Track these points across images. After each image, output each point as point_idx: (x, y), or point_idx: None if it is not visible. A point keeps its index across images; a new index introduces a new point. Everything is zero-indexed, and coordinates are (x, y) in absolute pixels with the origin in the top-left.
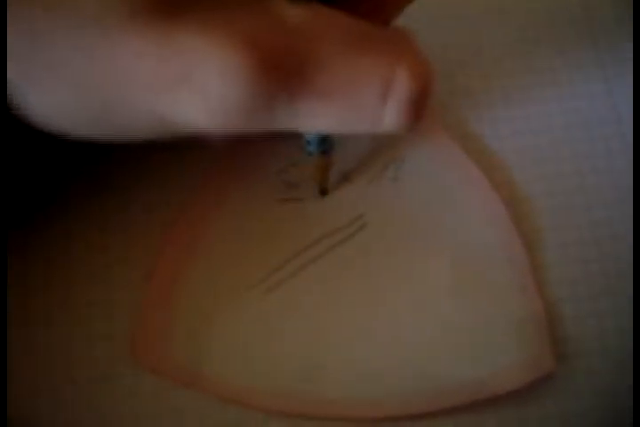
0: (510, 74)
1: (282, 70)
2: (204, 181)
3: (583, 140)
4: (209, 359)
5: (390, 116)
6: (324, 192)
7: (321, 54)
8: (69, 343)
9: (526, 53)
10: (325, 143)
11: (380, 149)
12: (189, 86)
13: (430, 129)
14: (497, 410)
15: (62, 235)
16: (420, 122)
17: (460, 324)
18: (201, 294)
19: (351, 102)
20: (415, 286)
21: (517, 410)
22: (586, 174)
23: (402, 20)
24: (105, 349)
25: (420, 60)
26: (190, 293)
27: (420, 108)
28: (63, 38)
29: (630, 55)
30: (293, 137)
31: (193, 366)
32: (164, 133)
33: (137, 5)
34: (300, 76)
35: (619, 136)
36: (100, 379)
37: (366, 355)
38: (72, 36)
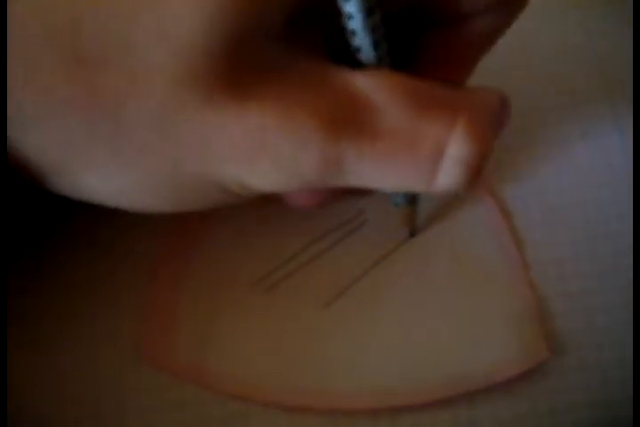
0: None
1: (347, 136)
2: None
3: None
4: (211, 356)
5: (444, 178)
6: (413, 234)
7: (383, 121)
8: (75, 340)
9: None
10: (411, 194)
11: None
12: (266, 155)
13: None
14: (491, 403)
15: (67, 239)
16: (477, 182)
17: (458, 317)
18: (203, 292)
19: (408, 163)
20: (416, 281)
21: (511, 403)
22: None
23: None
24: (110, 345)
25: (481, 123)
26: (193, 291)
27: (476, 170)
28: (147, 124)
29: None
30: None
31: (196, 363)
32: (227, 202)
33: (211, 89)
34: (363, 140)
35: None
36: (105, 375)
37: (365, 348)
38: (155, 121)
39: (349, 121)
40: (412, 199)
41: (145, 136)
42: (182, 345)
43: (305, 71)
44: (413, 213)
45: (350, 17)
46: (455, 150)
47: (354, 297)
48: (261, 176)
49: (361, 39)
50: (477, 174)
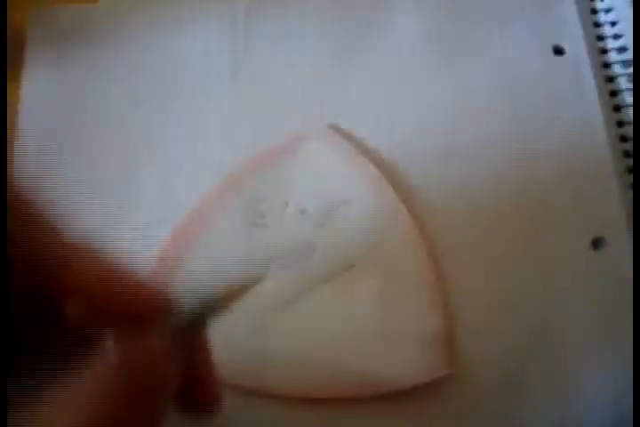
0: None
1: None
2: None
3: None
4: None
5: None
6: None
7: None
8: None
9: None
10: None
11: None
12: None
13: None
14: (413, 403)
15: None
16: None
17: (380, 331)
18: None
19: None
20: (348, 298)
21: (429, 404)
22: None
23: None
24: None
25: None
26: None
27: None
28: None
29: None
30: None
31: None
32: None
33: None
34: None
35: None
36: None
37: (304, 346)
38: None
39: None
40: None
41: None
42: None
43: None
44: None
45: None
46: None
47: (298, 303)
48: None
49: None
50: None
